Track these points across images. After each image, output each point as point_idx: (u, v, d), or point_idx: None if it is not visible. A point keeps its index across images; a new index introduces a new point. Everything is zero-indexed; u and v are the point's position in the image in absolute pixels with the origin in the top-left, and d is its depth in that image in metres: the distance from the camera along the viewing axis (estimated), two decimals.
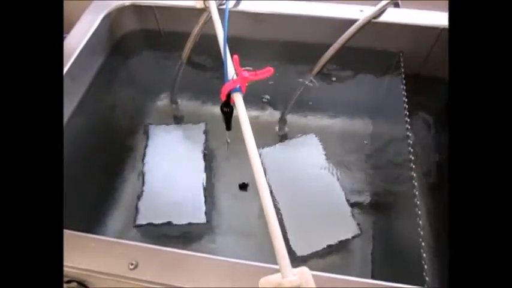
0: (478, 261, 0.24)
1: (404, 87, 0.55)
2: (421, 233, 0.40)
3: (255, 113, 0.72)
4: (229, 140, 0.52)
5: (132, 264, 0.35)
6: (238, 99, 0.41)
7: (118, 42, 0.63)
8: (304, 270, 0.31)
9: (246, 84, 0.41)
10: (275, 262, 0.30)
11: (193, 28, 0.58)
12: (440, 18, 0.56)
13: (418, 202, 0.43)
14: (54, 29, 0.29)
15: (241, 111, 0.40)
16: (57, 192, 0.27)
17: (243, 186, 0.64)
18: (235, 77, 0.41)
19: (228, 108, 0.44)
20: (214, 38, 0.45)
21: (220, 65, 0.42)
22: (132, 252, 0.36)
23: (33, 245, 0.25)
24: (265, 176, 0.63)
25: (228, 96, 0.42)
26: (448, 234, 0.25)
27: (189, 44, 0.60)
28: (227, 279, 0.34)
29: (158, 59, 0.68)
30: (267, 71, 0.41)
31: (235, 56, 0.41)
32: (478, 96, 0.27)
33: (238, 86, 0.41)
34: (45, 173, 0.27)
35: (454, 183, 0.26)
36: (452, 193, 0.26)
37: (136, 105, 0.73)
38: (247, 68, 0.40)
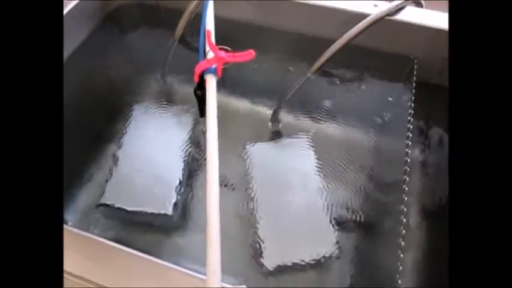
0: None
1: (413, 98, 0.49)
2: (401, 256, 0.34)
3: (247, 104, 0.66)
4: (205, 130, 0.47)
5: None
6: (211, 81, 0.36)
7: (110, 14, 0.59)
8: None
9: (223, 67, 0.36)
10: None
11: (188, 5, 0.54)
12: None
13: (404, 232, 0.37)
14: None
15: (211, 96, 0.34)
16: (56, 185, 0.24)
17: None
18: (211, 55, 0.36)
19: (201, 92, 0.39)
20: None
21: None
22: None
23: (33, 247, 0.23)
24: (249, 174, 0.59)
25: (202, 77, 0.37)
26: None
27: (183, 22, 0.55)
28: (154, 283, 0.29)
29: (151, 35, 0.63)
30: (248, 54, 0.35)
31: (208, 30, 0.35)
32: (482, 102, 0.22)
33: (213, 66, 0.36)
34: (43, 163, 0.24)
35: (454, 211, 0.22)
36: (452, 222, 0.22)
37: (121, 82, 0.69)
38: (225, 47, 0.35)
